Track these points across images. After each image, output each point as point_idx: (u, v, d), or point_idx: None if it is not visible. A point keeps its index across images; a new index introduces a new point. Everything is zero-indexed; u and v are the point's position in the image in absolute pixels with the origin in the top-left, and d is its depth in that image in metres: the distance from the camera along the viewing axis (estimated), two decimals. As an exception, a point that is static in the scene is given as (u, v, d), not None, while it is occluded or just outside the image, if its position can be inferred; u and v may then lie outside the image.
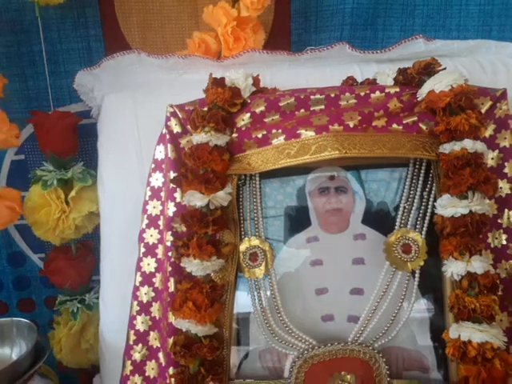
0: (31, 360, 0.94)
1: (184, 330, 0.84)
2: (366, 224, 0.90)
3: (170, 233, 0.90)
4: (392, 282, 0.87)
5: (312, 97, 0.88)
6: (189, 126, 0.91)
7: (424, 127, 0.86)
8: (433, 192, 0.87)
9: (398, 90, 0.88)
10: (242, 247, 0.90)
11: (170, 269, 0.90)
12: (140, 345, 0.94)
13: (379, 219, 0.90)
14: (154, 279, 0.94)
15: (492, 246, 0.86)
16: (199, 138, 0.87)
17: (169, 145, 0.92)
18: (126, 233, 0.97)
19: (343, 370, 0.84)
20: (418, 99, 0.87)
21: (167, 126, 0.93)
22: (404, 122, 0.86)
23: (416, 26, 1.16)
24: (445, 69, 0.89)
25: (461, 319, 0.79)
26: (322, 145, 0.85)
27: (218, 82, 0.91)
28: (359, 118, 0.86)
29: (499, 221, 0.86)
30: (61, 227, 1.08)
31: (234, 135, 0.89)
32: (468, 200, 0.80)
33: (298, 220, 0.92)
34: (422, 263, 0.86)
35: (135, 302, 0.94)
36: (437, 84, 0.84)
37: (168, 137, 0.92)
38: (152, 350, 0.94)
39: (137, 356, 0.94)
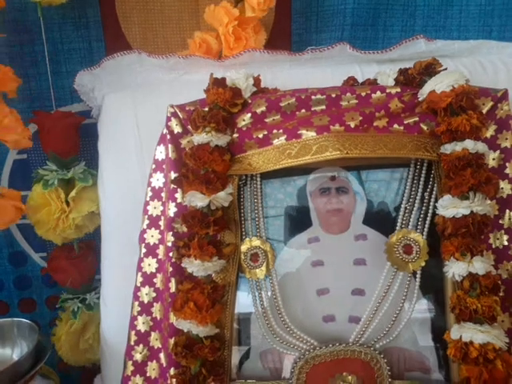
0: (32, 360, 0.94)
1: (185, 330, 0.84)
2: (367, 224, 0.90)
3: (170, 233, 0.90)
4: (393, 283, 0.87)
5: (313, 97, 0.88)
6: (189, 127, 0.91)
7: (425, 127, 0.86)
8: (434, 192, 0.87)
9: (399, 90, 0.88)
10: (243, 248, 0.90)
11: (171, 269, 0.90)
12: (141, 345, 0.94)
13: (380, 220, 0.90)
14: (154, 280, 0.94)
15: (493, 246, 0.86)
16: (200, 138, 0.87)
17: (169, 145, 0.92)
18: (127, 233, 0.97)
19: (344, 371, 0.84)
20: (419, 99, 0.87)
21: (168, 127, 0.93)
22: (405, 122, 0.86)
23: (417, 26, 1.16)
24: (446, 69, 0.89)
25: (462, 320, 0.79)
26: (323, 145, 0.85)
27: (218, 82, 0.91)
28: (360, 118, 0.86)
29: (500, 221, 0.86)
30: (61, 227, 1.08)
31: (235, 135, 0.89)
32: (469, 201, 0.80)
33: (298, 220, 0.92)
34: (423, 264, 0.86)
35: (136, 303, 0.94)
36: (438, 84, 0.84)
37: (169, 137, 0.92)
38: (153, 351, 0.94)
39: (138, 356, 0.94)
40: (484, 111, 0.86)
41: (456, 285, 0.82)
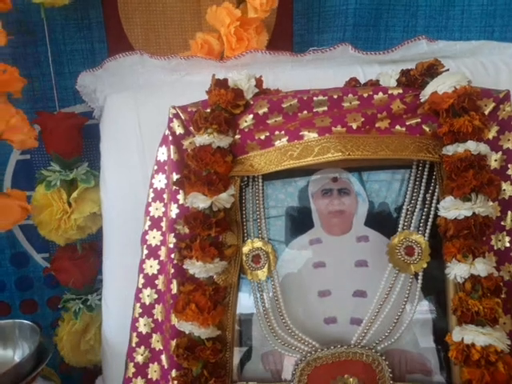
0: (34, 362, 0.94)
1: (187, 332, 0.84)
2: (369, 226, 0.90)
3: (172, 235, 0.90)
4: (395, 285, 0.86)
5: (315, 98, 0.88)
6: (191, 128, 0.90)
7: (427, 129, 0.86)
8: (436, 194, 0.87)
9: (400, 91, 0.88)
10: (245, 249, 0.90)
11: (172, 271, 0.90)
12: (142, 347, 0.94)
13: (382, 221, 0.90)
14: (156, 281, 0.94)
15: (495, 248, 0.86)
16: (202, 139, 0.87)
17: (171, 146, 0.92)
18: (129, 234, 0.97)
19: (346, 373, 0.84)
20: (421, 101, 0.86)
21: (170, 128, 0.92)
22: (407, 123, 0.86)
23: (418, 26, 1.16)
24: (448, 70, 0.89)
25: (464, 322, 0.79)
26: (325, 146, 0.85)
27: (220, 84, 0.90)
28: (362, 119, 0.86)
29: (502, 223, 0.86)
30: (63, 227, 1.09)
31: (237, 137, 0.89)
32: (471, 202, 0.80)
33: (300, 222, 0.92)
34: (425, 265, 0.86)
35: (138, 304, 0.94)
36: (440, 85, 0.84)
37: (171, 138, 0.92)
38: (154, 353, 0.94)
39: (139, 358, 0.94)
40: (486, 112, 0.85)
41: (458, 286, 0.82)
